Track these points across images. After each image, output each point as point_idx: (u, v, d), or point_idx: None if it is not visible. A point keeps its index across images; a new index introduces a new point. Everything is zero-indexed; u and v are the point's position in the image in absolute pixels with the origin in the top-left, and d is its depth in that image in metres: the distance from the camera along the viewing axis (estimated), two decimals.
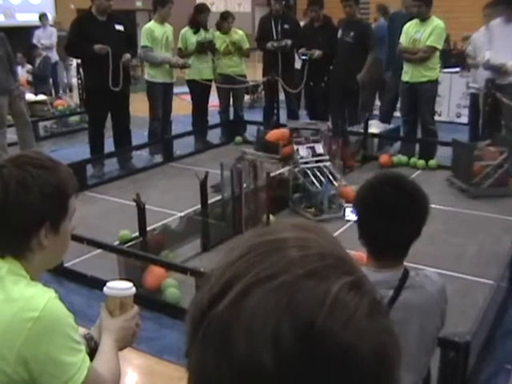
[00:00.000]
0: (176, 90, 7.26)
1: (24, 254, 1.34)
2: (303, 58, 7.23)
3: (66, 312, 1.30)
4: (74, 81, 10.83)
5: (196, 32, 7.24)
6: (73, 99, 10.06)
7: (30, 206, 1.31)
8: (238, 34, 7.63)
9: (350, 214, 1.72)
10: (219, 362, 0.50)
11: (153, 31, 6.68)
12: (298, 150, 5.12)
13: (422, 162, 6.40)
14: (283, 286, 0.50)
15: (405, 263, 1.64)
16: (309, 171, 5.01)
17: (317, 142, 5.28)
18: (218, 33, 7.57)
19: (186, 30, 7.30)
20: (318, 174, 5.01)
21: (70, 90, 11.57)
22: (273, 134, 5.75)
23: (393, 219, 1.55)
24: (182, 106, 8.48)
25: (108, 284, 1.50)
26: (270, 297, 0.50)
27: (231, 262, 0.55)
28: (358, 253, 2.08)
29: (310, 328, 0.48)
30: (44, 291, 1.30)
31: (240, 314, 0.50)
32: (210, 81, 7.40)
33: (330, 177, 5.02)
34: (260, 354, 0.48)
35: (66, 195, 1.37)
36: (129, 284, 1.51)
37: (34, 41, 11.26)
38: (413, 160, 6.46)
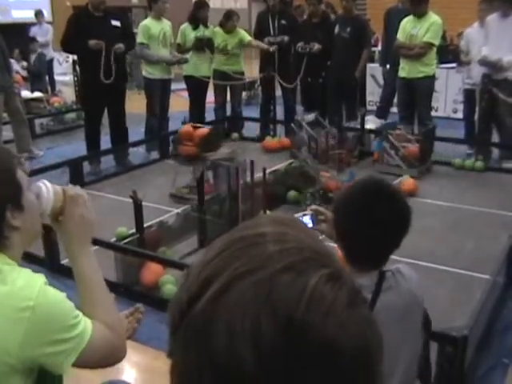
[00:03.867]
0: (173, 86, 7.24)
1: (2, 243, 1.33)
2: (301, 51, 7.21)
3: (59, 294, 1.30)
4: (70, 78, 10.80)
5: (195, 28, 7.21)
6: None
7: None
8: (239, 33, 7.56)
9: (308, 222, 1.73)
10: (200, 359, 0.50)
11: (149, 28, 6.65)
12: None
13: None
14: (261, 281, 0.50)
15: (403, 259, 1.62)
16: None
17: None
18: (219, 30, 7.45)
19: (186, 26, 7.27)
20: None
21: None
22: (182, 129, 5.44)
23: (381, 233, 1.52)
24: (179, 102, 8.46)
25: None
26: (248, 292, 0.50)
27: (209, 259, 0.55)
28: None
29: (288, 322, 0.48)
30: (35, 277, 1.29)
31: (219, 311, 0.50)
32: (208, 77, 7.38)
33: None
34: (240, 349, 0.48)
35: (13, 172, 1.35)
36: (39, 186, 1.38)
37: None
38: None
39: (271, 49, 7.30)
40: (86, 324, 1.31)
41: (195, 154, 5.07)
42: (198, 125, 5.50)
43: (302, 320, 0.48)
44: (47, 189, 1.38)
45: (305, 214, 1.85)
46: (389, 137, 6.01)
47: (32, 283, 1.27)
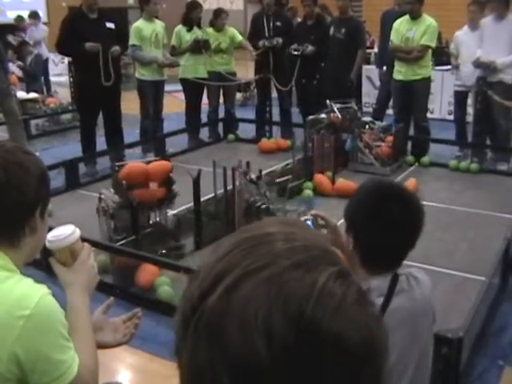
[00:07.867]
0: (168, 87, 7.23)
1: (17, 240, 1.33)
2: (295, 53, 7.22)
3: (57, 309, 1.29)
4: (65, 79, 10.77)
5: (189, 30, 7.21)
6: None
7: (30, 188, 1.32)
8: (229, 31, 7.58)
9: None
10: (212, 354, 0.51)
11: (141, 30, 6.64)
12: None
13: (412, 159, 6.43)
14: (272, 277, 0.51)
15: None
16: None
17: None
18: (210, 30, 7.47)
19: (180, 28, 7.27)
20: None
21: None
22: (128, 169, 4.05)
23: (397, 235, 1.53)
24: (174, 103, 8.46)
25: (49, 237, 1.41)
26: (259, 288, 0.51)
27: (220, 257, 0.56)
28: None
29: (299, 317, 0.49)
30: (36, 288, 1.29)
31: (231, 306, 0.51)
32: (204, 79, 7.37)
33: None
34: (254, 343, 0.49)
35: (49, 180, 1.41)
36: (70, 227, 1.44)
37: (26, 38, 11.19)
38: (407, 158, 6.48)
39: (253, 53, 7.35)
40: (75, 358, 1.30)
41: (166, 196, 3.93)
42: (137, 161, 4.32)
43: (311, 315, 0.49)
44: (75, 230, 1.44)
45: (306, 220, 1.87)
46: (362, 136, 6.22)
47: (31, 294, 1.26)
